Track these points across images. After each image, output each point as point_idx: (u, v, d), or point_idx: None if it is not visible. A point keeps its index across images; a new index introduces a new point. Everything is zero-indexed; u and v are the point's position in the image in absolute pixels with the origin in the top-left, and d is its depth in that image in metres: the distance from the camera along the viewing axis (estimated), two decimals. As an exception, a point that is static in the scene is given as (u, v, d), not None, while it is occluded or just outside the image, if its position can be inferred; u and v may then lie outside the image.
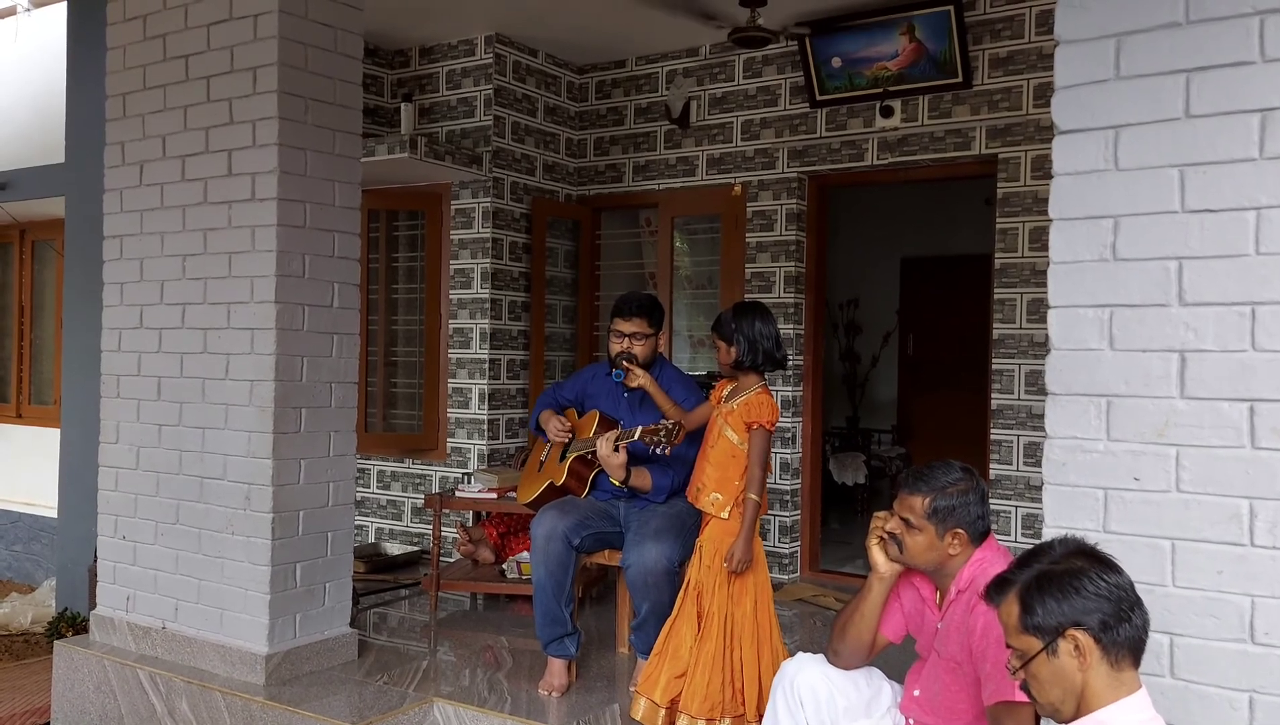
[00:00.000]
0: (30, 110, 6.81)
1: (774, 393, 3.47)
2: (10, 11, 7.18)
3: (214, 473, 3.78)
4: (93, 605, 4.25)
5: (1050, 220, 2.34)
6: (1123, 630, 1.73)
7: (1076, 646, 1.72)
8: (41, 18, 6.96)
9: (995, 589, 1.85)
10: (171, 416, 3.92)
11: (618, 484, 3.67)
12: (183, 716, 3.69)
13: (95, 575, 4.26)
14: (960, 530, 2.38)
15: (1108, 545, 1.94)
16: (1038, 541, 1.97)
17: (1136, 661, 1.76)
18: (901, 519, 2.44)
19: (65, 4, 5.71)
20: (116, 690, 3.89)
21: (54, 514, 6.04)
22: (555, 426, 3.91)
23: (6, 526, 7.26)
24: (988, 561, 2.36)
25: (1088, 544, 1.85)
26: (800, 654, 2.73)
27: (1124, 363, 2.22)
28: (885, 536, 2.50)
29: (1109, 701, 1.71)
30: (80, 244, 5.43)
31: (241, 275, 3.71)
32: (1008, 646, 1.84)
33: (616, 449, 3.58)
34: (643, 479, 3.69)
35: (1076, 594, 1.74)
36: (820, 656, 2.68)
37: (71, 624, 5.26)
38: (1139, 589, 1.81)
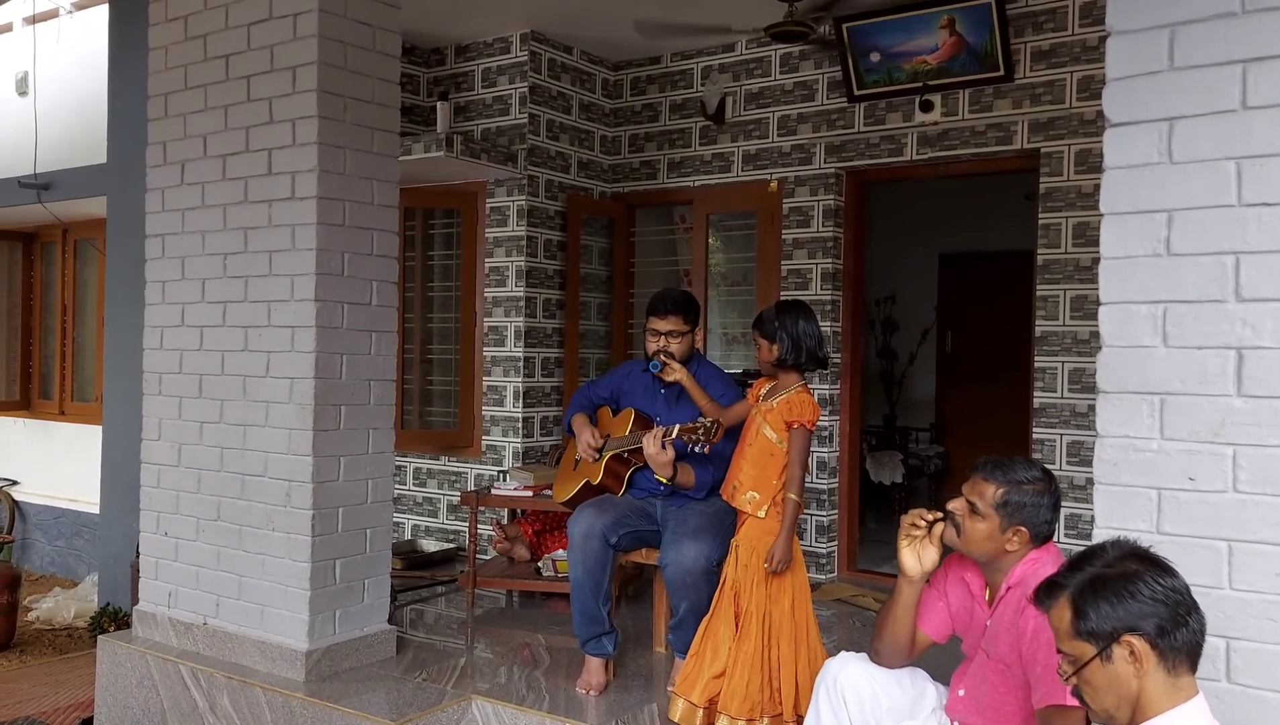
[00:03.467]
0: (73, 111, 6.90)
1: (811, 391, 3.43)
2: (53, 14, 7.28)
3: (255, 470, 3.81)
4: (135, 600, 4.30)
5: (1098, 215, 2.29)
6: (1180, 635, 1.68)
7: (1132, 652, 1.68)
8: (84, 20, 7.04)
9: (1045, 592, 1.81)
10: (213, 414, 3.95)
11: (664, 482, 3.64)
12: (224, 712, 3.72)
13: (137, 571, 4.30)
14: (1024, 528, 2.35)
15: (1161, 547, 1.90)
16: (1085, 543, 1.93)
17: (1193, 666, 1.72)
18: (968, 503, 2.40)
19: (107, 6, 5.78)
20: (159, 685, 3.92)
21: (96, 510, 6.12)
22: (585, 443, 3.88)
23: (49, 522, 7.37)
24: (1042, 562, 2.32)
25: (1141, 547, 1.80)
26: (844, 653, 2.70)
27: (1178, 360, 2.17)
28: (943, 516, 2.45)
29: (1166, 708, 1.67)
30: (121, 243, 5.49)
31: (282, 273, 3.73)
32: (1059, 651, 1.79)
33: (664, 447, 3.55)
34: (687, 476, 3.66)
35: (1131, 598, 1.69)
36: (863, 655, 2.65)
37: (114, 619, 5.33)
38: (1194, 591, 1.76)
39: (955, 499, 2.45)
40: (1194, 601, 1.73)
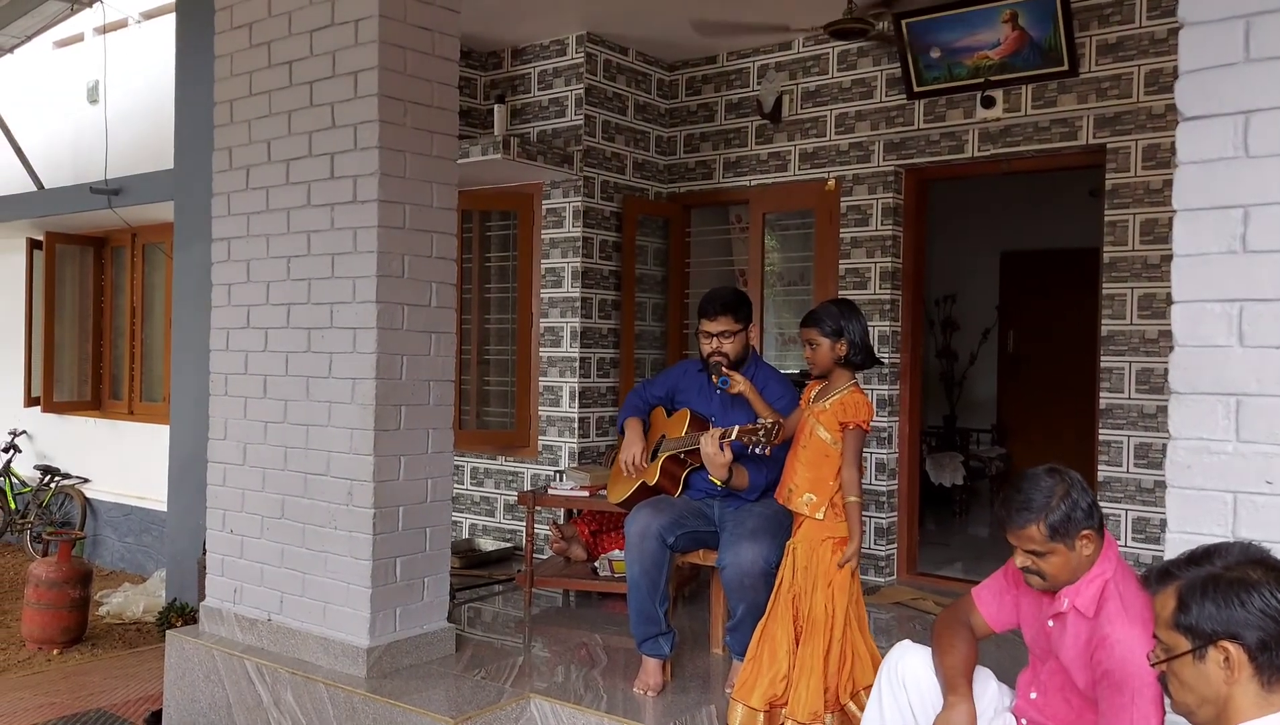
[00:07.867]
0: (142, 118, 7.08)
1: (868, 392, 3.40)
2: (122, 23, 7.47)
3: (317, 469, 3.87)
4: (202, 596, 4.39)
5: (1167, 211, 2.24)
6: None
7: (1227, 658, 1.63)
8: (152, 29, 7.23)
9: (1157, 578, 1.76)
10: (277, 414, 4.01)
11: (719, 483, 3.62)
12: (287, 707, 3.78)
13: (204, 567, 4.39)
14: (1085, 532, 2.32)
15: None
16: (1154, 547, 1.89)
17: None
18: (1031, 554, 2.36)
19: (175, 15, 5.91)
20: (225, 680, 4.00)
21: (164, 507, 6.27)
22: (629, 458, 3.86)
23: (119, 518, 7.57)
24: (1108, 578, 2.29)
25: (1272, 556, 1.72)
26: (905, 641, 2.74)
27: (1255, 360, 2.10)
28: (1024, 571, 2.42)
29: (1254, 717, 1.62)
30: (188, 246, 5.61)
31: (344, 276, 3.78)
32: (1154, 637, 1.76)
33: (721, 448, 3.52)
34: (742, 477, 3.64)
35: (1240, 606, 1.63)
36: (924, 646, 2.67)
37: (181, 614, 5.44)
38: (1273, 600, 1.70)
39: (1015, 557, 2.42)
40: None
